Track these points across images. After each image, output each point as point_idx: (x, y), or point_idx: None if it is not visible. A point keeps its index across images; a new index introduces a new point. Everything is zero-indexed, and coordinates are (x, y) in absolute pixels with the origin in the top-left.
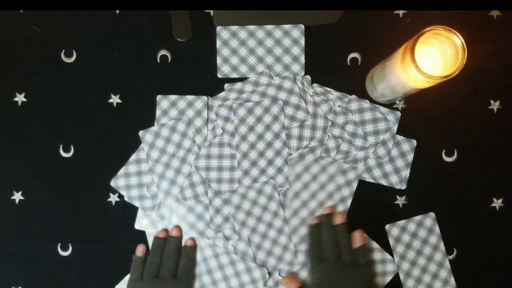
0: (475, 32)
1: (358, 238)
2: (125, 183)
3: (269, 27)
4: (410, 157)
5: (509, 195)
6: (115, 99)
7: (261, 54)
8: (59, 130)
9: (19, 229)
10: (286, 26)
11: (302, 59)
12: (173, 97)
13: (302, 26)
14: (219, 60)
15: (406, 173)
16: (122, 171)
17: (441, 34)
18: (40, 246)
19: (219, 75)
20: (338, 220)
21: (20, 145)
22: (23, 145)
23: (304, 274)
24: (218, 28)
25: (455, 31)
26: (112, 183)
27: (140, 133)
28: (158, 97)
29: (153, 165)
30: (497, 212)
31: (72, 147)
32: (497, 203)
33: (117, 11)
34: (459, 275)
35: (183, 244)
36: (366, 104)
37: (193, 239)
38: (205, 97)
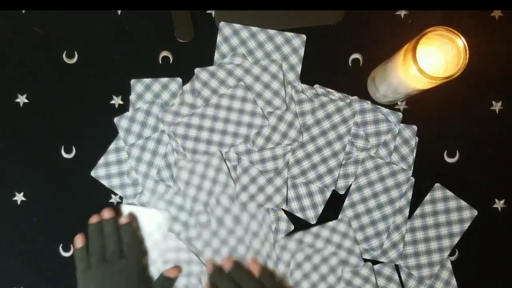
0: (477, 33)
1: (253, 266)
2: (105, 172)
3: (271, 31)
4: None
5: (511, 196)
6: (116, 101)
7: (259, 56)
8: (61, 131)
9: (21, 230)
10: (289, 34)
11: (299, 69)
12: (147, 80)
13: (304, 36)
14: (217, 55)
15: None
16: (101, 160)
17: (443, 34)
18: (42, 247)
19: (206, 74)
20: (226, 266)
21: (22, 146)
22: (24, 146)
23: None
24: (221, 24)
25: (457, 32)
26: (92, 173)
27: (115, 119)
28: (132, 81)
29: (129, 149)
30: (499, 213)
31: (73, 148)
32: (499, 204)
33: (119, 12)
34: (461, 276)
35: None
36: (367, 105)
37: (126, 217)
38: (179, 79)
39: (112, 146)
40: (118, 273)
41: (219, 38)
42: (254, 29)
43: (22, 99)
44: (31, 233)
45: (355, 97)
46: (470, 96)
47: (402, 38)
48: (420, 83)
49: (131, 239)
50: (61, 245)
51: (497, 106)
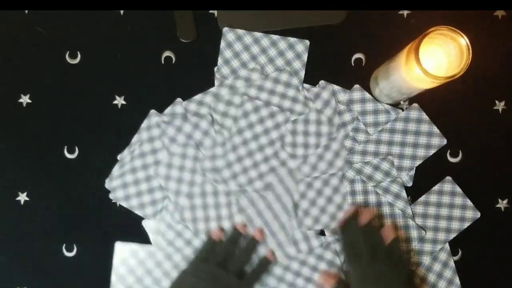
0: (479, 32)
1: (389, 232)
2: (123, 193)
3: (274, 37)
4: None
5: None
6: (119, 101)
7: (263, 62)
8: (64, 131)
9: (24, 230)
10: (292, 39)
11: (302, 74)
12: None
13: (307, 42)
14: (220, 61)
15: (412, 171)
16: (118, 182)
17: (446, 34)
18: (45, 247)
19: (217, 76)
20: (368, 216)
21: (25, 146)
22: (27, 146)
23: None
24: (225, 29)
25: (459, 32)
26: (111, 196)
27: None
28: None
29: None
30: (502, 213)
31: (76, 148)
32: (502, 204)
33: (122, 12)
34: (464, 276)
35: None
36: (368, 95)
37: (272, 253)
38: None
39: (128, 166)
40: (223, 286)
41: (222, 44)
42: (258, 34)
43: (25, 99)
44: (34, 233)
45: (357, 86)
46: (473, 95)
47: (404, 38)
48: (423, 83)
49: (259, 271)
50: (64, 245)
51: (500, 105)
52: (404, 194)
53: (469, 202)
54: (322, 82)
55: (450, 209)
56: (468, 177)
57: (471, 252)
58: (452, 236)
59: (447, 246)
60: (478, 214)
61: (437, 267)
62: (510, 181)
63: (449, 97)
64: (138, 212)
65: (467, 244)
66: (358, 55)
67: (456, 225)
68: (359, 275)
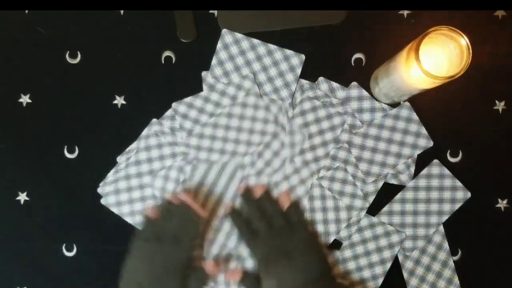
0: (480, 33)
1: (285, 199)
2: (115, 200)
3: (272, 46)
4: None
5: None
6: (119, 100)
7: (256, 69)
8: (64, 131)
9: (24, 230)
10: (288, 52)
11: (293, 87)
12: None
13: (302, 56)
14: (214, 61)
15: (411, 171)
16: (111, 187)
17: (446, 34)
18: (45, 247)
19: (210, 75)
20: (258, 192)
21: (25, 146)
22: (27, 146)
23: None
24: (224, 31)
25: (460, 32)
26: (102, 201)
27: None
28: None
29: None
30: (502, 213)
31: (76, 148)
32: (502, 204)
33: (122, 12)
34: (464, 276)
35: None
36: (365, 92)
37: (202, 208)
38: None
39: (122, 173)
40: (166, 255)
41: (219, 45)
42: (255, 41)
43: (25, 99)
44: (34, 233)
45: (355, 83)
46: (473, 95)
47: (405, 38)
48: (423, 83)
49: (192, 230)
50: (64, 245)
51: (500, 105)
52: (360, 192)
53: (458, 183)
54: (321, 79)
55: (440, 191)
56: (468, 177)
57: (471, 252)
58: (445, 218)
59: (446, 246)
60: (469, 194)
61: (436, 266)
62: (510, 181)
63: (449, 97)
64: (128, 219)
65: (467, 244)
66: (358, 55)
67: (447, 207)
68: (260, 255)
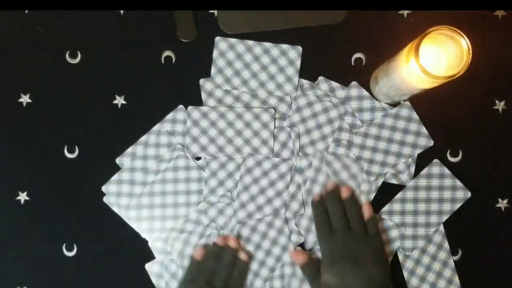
0: (480, 32)
1: (367, 209)
2: (117, 200)
3: (267, 44)
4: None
5: None
6: (119, 100)
7: (256, 70)
8: (64, 131)
9: (24, 230)
10: (284, 46)
11: (296, 80)
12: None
13: (299, 48)
14: (213, 70)
15: (411, 170)
16: (114, 188)
17: (446, 34)
18: (45, 247)
19: (212, 84)
20: (345, 193)
21: (25, 146)
22: (28, 146)
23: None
24: (217, 39)
25: (460, 31)
26: (105, 199)
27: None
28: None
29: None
30: (502, 212)
31: (76, 148)
32: (503, 203)
33: (122, 12)
34: (464, 276)
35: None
36: (366, 92)
37: (246, 254)
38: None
39: (127, 176)
40: None
41: (215, 53)
42: (250, 42)
43: (25, 99)
44: (34, 233)
45: (355, 83)
46: (473, 95)
47: (405, 38)
48: (423, 83)
49: (242, 278)
50: (64, 245)
51: (500, 105)
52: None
53: (458, 183)
54: (321, 78)
55: (441, 191)
56: (468, 177)
57: (471, 252)
58: (445, 218)
59: (446, 245)
60: (469, 194)
61: (436, 266)
62: (510, 181)
63: (449, 97)
64: (134, 225)
65: (467, 244)
66: (358, 55)
67: (447, 207)
68: (330, 251)
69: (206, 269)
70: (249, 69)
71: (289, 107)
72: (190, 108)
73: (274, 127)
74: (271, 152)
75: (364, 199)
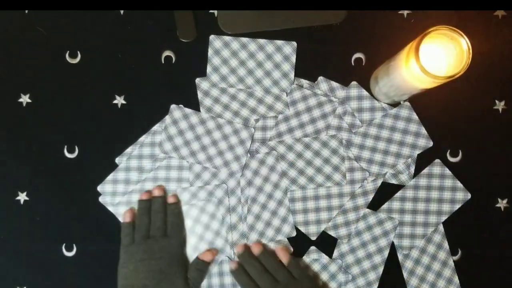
0: (480, 32)
1: (283, 255)
2: (112, 200)
3: (261, 41)
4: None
5: None
6: (119, 100)
7: (252, 67)
8: (64, 131)
9: (24, 230)
10: (279, 42)
11: (292, 75)
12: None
13: (294, 43)
14: (209, 69)
15: (411, 170)
16: (110, 188)
17: (446, 34)
18: (45, 247)
19: (207, 83)
20: (256, 250)
21: (25, 145)
22: (27, 146)
23: None
24: (211, 37)
25: (460, 31)
26: (101, 199)
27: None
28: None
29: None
30: (502, 212)
31: (76, 148)
32: (502, 203)
33: (122, 12)
34: (464, 275)
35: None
36: (365, 92)
37: (175, 195)
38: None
39: (122, 176)
40: (160, 250)
41: (210, 51)
42: (244, 39)
43: (25, 99)
44: (34, 233)
45: (355, 83)
46: (473, 95)
47: (405, 38)
48: (423, 83)
49: (176, 219)
50: (64, 245)
51: (500, 105)
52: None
53: (459, 184)
54: (320, 78)
55: (441, 191)
56: (468, 176)
57: (470, 252)
58: (443, 218)
59: (446, 245)
60: (469, 196)
61: (436, 266)
62: (510, 181)
63: (449, 97)
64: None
65: (466, 243)
66: (358, 55)
67: (447, 207)
68: None
69: (140, 226)
70: (245, 66)
71: (285, 106)
72: (173, 106)
73: (250, 146)
74: (241, 169)
75: (276, 246)
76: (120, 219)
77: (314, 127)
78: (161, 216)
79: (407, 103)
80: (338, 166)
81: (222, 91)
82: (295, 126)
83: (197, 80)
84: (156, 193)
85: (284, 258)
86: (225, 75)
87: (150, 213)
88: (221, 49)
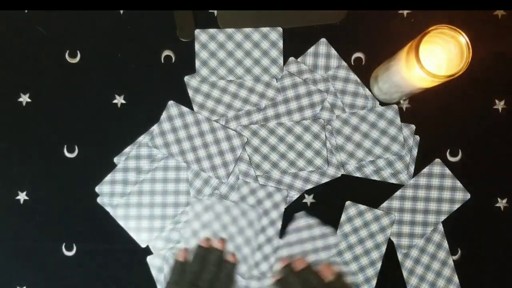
0: (479, 32)
1: (326, 271)
2: (110, 201)
3: (247, 30)
4: (414, 152)
5: None
6: (119, 100)
7: (240, 56)
8: (64, 131)
9: (24, 229)
10: (264, 29)
11: (281, 61)
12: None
13: (280, 29)
14: (197, 63)
15: (411, 170)
16: (107, 189)
17: (446, 33)
18: (45, 246)
19: (198, 78)
20: (299, 265)
21: (25, 145)
22: (27, 146)
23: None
24: (197, 31)
25: (460, 30)
26: (99, 200)
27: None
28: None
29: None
30: (501, 212)
31: (76, 148)
32: (502, 203)
33: (121, 12)
34: (463, 275)
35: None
36: (353, 76)
37: (234, 255)
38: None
39: (120, 176)
40: None
41: (196, 46)
42: (230, 30)
43: (24, 99)
44: (34, 232)
45: (345, 64)
46: (473, 95)
47: (404, 37)
48: (422, 82)
49: (228, 280)
50: (63, 244)
51: (500, 105)
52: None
53: (459, 184)
54: (322, 40)
55: (440, 191)
56: (468, 176)
57: (470, 252)
58: (443, 218)
59: (446, 245)
60: (468, 196)
61: (436, 265)
62: (510, 181)
63: (449, 96)
64: (122, 223)
65: (466, 243)
66: (358, 54)
67: (446, 207)
68: None
69: (190, 272)
70: (233, 57)
71: (277, 92)
72: (170, 102)
73: (240, 154)
74: (227, 176)
75: (322, 262)
76: (119, 221)
77: (301, 115)
78: (215, 271)
79: (395, 106)
80: (319, 151)
81: (212, 86)
82: (282, 113)
83: (186, 78)
84: (217, 245)
85: (328, 275)
86: (214, 68)
87: (205, 262)
88: (207, 42)
